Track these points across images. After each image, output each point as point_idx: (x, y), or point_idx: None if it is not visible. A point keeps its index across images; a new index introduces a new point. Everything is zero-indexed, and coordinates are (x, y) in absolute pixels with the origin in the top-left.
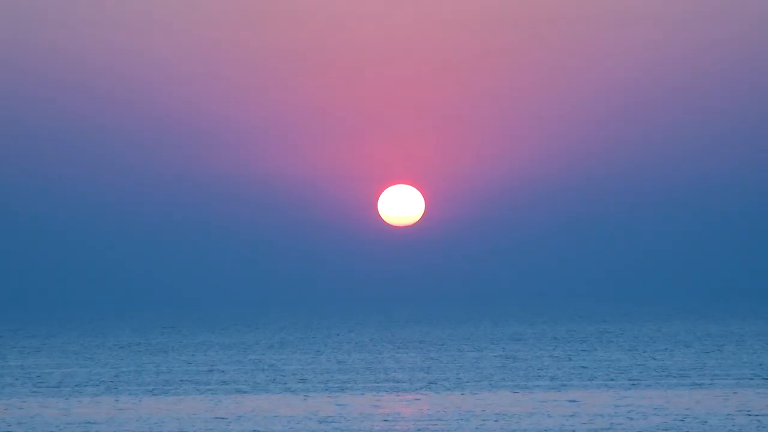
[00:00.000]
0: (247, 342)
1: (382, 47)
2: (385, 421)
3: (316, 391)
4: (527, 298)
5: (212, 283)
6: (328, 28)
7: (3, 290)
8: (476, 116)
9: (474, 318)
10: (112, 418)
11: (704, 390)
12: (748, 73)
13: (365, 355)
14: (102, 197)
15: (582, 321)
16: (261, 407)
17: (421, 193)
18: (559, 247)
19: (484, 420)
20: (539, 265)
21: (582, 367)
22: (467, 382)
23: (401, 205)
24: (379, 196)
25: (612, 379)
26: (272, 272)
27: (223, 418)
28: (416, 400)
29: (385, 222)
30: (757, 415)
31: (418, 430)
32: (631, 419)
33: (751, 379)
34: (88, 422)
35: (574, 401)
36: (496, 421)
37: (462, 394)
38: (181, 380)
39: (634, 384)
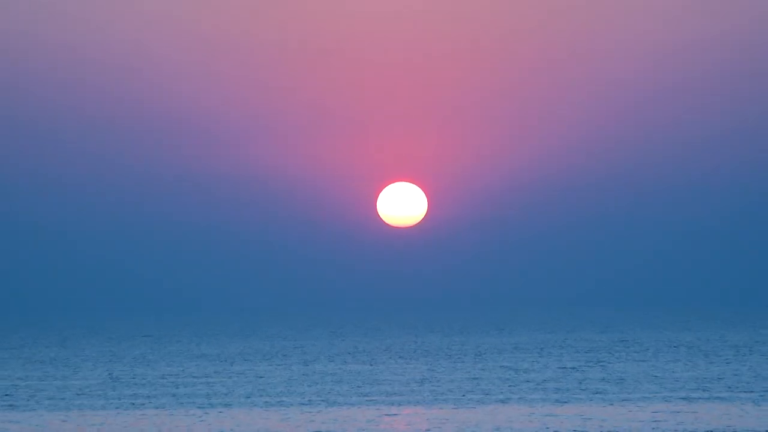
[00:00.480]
0: (232, 351)
1: (383, 38)
2: None
3: (304, 405)
4: (537, 304)
5: (202, 286)
6: (325, 21)
7: None
8: (482, 108)
9: (479, 325)
10: None
11: (728, 404)
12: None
13: (360, 365)
14: (93, 196)
15: (593, 329)
16: (243, 422)
17: (424, 192)
18: (573, 249)
19: None
20: (551, 269)
21: (593, 379)
22: (469, 394)
23: (402, 205)
24: (378, 194)
25: (626, 392)
26: (264, 277)
27: None
28: (413, 414)
29: (385, 222)
30: None
31: None
32: None
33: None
34: None
35: (584, 416)
36: None
37: (463, 408)
38: (149, 395)
39: (646, 398)
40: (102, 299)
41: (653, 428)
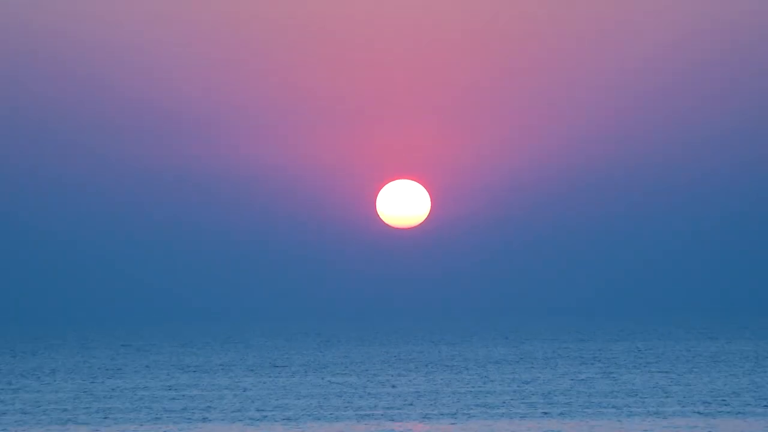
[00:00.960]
0: (216, 362)
1: (383, 22)
2: None
3: (290, 420)
4: (547, 312)
5: (187, 290)
6: (324, 6)
7: None
8: (490, 99)
9: (485, 334)
10: None
11: (748, 419)
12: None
13: (355, 377)
14: (70, 193)
15: (604, 337)
16: None
17: (427, 190)
18: (588, 252)
19: None
20: (565, 274)
21: (603, 391)
22: (471, 408)
23: (403, 204)
24: (378, 192)
25: (638, 406)
26: (252, 283)
27: None
28: (411, 431)
29: (385, 223)
30: None
31: None
32: None
33: None
34: None
35: None
36: None
37: (464, 424)
38: (122, 409)
39: (659, 412)
40: (80, 304)
41: None
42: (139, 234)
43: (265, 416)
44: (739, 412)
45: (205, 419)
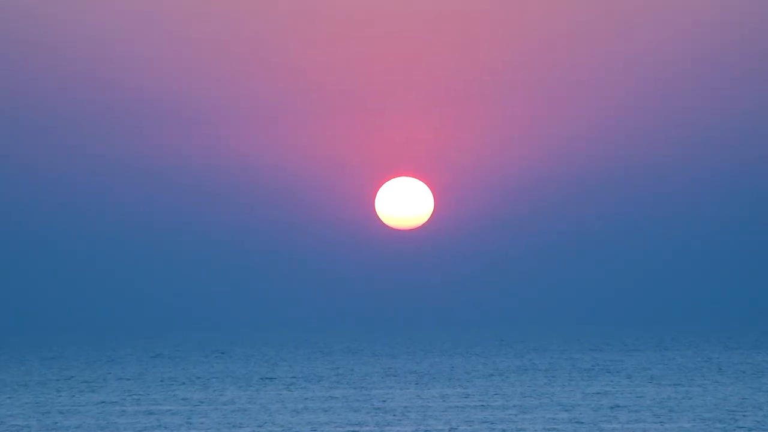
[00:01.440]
0: (199, 374)
1: (382, 8)
2: None
3: None
4: (562, 321)
5: (171, 298)
6: None
7: None
8: (497, 90)
9: (492, 344)
10: None
11: None
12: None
13: (351, 390)
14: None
15: (623, 349)
16: None
17: (430, 188)
18: (604, 254)
19: None
20: (583, 281)
21: (623, 406)
22: (474, 424)
23: (404, 203)
24: (377, 191)
25: (662, 421)
26: (239, 289)
27: None
28: None
29: (384, 224)
30: None
31: None
32: None
33: None
34: None
35: None
36: None
37: None
38: (78, 425)
39: (683, 429)
40: (50, 309)
41: None
42: (121, 234)
43: None
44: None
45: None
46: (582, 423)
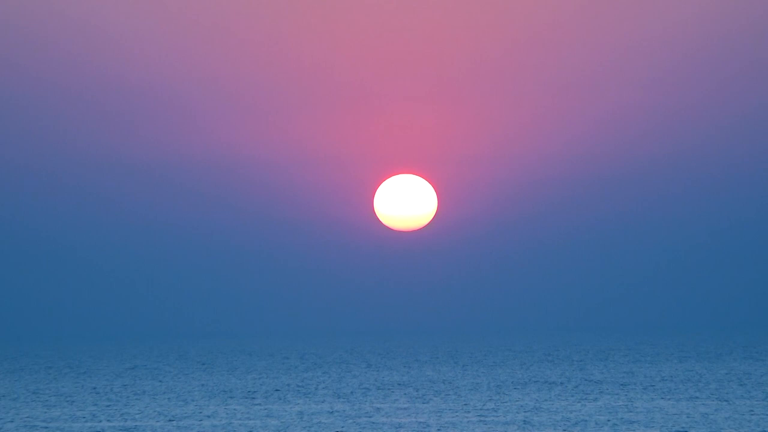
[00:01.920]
0: (187, 388)
1: None
2: None
3: None
4: (569, 328)
5: (162, 304)
6: None
7: None
8: (504, 82)
9: (497, 354)
10: None
11: None
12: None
13: (346, 404)
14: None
15: (635, 357)
16: None
17: (433, 186)
18: (610, 256)
19: None
20: (589, 285)
21: (639, 420)
22: None
23: (405, 202)
24: (376, 189)
25: None
26: (232, 294)
27: None
28: None
29: (384, 225)
30: None
31: None
32: None
33: None
34: None
35: None
36: None
37: None
38: None
39: None
40: (33, 316)
41: None
42: (109, 231)
43: None
44: None
45: None
46: None
